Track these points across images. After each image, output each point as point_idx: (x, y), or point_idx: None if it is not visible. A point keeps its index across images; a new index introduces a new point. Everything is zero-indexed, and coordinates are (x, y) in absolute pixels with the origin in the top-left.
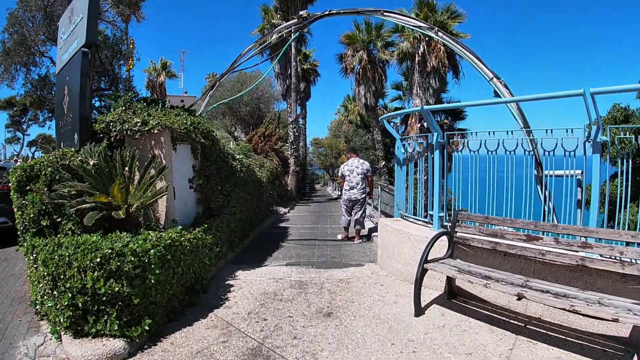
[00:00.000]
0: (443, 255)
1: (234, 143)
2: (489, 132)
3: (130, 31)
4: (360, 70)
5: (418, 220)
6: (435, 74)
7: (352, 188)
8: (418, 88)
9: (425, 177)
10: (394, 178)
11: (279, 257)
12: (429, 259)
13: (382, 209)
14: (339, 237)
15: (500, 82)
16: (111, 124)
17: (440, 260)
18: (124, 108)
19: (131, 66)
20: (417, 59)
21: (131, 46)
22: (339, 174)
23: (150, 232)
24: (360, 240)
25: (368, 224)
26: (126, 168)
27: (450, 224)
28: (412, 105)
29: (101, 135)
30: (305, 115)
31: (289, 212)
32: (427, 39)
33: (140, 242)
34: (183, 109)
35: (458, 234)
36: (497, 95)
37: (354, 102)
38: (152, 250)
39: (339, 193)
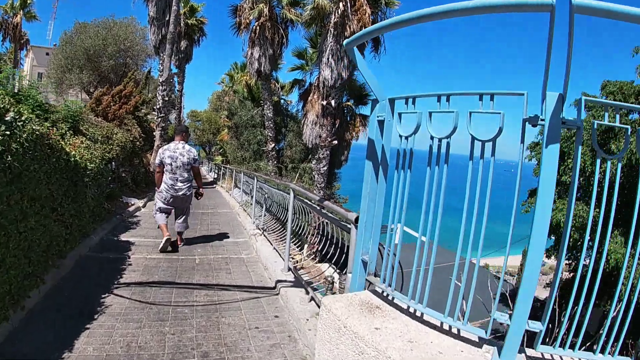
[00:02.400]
0: None
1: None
2: None
3: None
4: (258, 27)
5: (436, 319)
6: None
7: (175, 182)
8: (331, 56)
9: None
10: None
11: None
12: None
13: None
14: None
15: None
16: None
17: None
18: None
19: None
20: (333, 20)
21: None
22: (156, 161)
23: None
24: (183, 243)
25: (263, 247)
26: None
27: None
28: (319, 76)
29: None
30: (183, 81)
31: (144, 206)
32: None
33: None
34: None
35: None
36: None
37: (242, 71)
38: None
39: (215, 176)
